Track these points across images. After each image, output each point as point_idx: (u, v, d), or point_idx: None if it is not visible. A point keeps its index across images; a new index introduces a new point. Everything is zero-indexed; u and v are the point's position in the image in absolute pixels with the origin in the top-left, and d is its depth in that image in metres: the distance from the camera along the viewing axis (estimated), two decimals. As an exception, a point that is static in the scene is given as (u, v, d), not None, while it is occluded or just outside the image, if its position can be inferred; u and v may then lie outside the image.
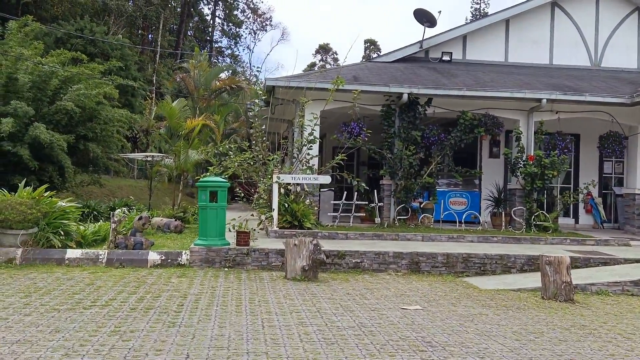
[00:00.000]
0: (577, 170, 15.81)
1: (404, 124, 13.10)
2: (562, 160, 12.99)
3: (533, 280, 9.02)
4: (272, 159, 11.45)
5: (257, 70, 64.13)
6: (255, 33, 57.86)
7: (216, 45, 55.25)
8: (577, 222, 15.87)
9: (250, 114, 12.27)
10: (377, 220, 12.82)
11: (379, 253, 9.59)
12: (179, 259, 9.29)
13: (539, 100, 12.94)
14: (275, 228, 10.88)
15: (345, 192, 13.16)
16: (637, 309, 7.62)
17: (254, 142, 11.94)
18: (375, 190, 13.16)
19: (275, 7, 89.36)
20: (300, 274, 8.43)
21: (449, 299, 7.63)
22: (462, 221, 13.03)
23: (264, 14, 56.41)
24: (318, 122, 12.23)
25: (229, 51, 57.12)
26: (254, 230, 10.82)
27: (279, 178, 10.80)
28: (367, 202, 13.69)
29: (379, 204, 13.02)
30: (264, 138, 11.94)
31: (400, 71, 14.48)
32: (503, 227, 12.99)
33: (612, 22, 16.40)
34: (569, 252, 10.45)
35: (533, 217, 13.00)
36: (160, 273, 8.67)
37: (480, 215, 14.14)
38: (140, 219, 10.34)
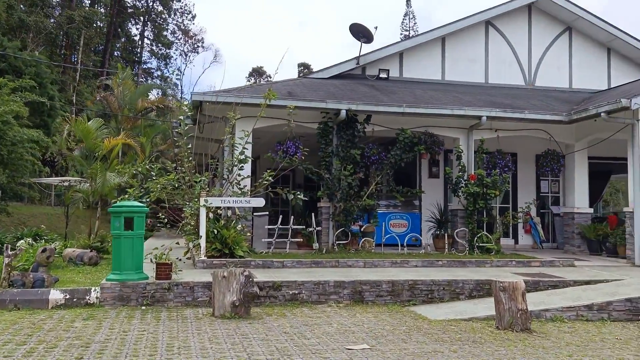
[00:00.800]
0: (515, 189, 15.63)
1: (342, 142, 12.37)
2: (504, 179, 12.65)
3: (484, 307, 8.37)
4: (200, 181, 10.35)
5: (190, 93, 62.36)
6: (186, 55, 56.39)
7: (145, 67, 53.34)
8: (516, 242, 15.61)
9: (176, 131, 11.11)
10: (315, 245, 11.91)
11: (318, 283, 8.66)
12: (87, 297, 7.97)
13: (479, 117, 12.58)
14: (202, 257, 9.74)
15: (280, 216, 12.18)
16: (596, 337, 7.06)
17: (179, 162, 10.79)
18: (312, 214, 12.29)
19: (208, 28, 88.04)
20: (230, 310, 7.34)
21: (399, 334, 6.78)
22: (404, 244, 12.35)
23: (195, 35, 55.12)
24: (250, 140, 11.27)
25: (159, 72, 55.24)
26: (179, 260, 9.63)
27: (206, 201, 9.70)
28: (304, 227, 12.78)
29: (317, 228, 12.14)
30: (191, 158, 10.82)
31: (337, 87, 13.81)
32: (446, 250, 12.42)
33: (545, 41, 16.53)
34: (517, 275, 9.94)
35: (476, 238, 12.52)
36: (62, 315, 7.33)
37: (421, 237, 13.55)
38: (44, 251, 8.96)
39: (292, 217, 12.27)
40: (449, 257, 11.55)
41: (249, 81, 61.75)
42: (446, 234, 12.78)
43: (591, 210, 13.89)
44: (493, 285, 7.46)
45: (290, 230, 11.93)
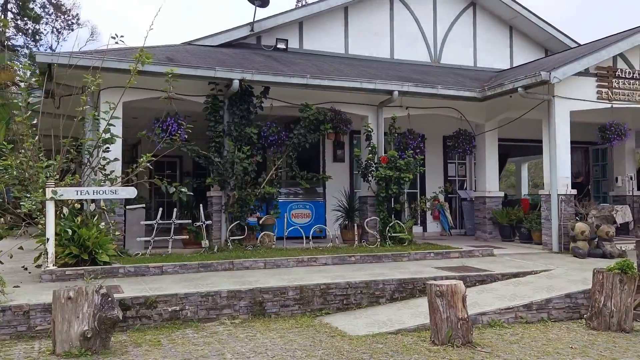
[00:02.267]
0: (423, 174, 14.56)
1: (236, 119, 10.42)
2: (418, 162, 11.41)
3: (411, 314, 6.94)
4: (47, 166, 7.93)
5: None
6: (59, 32, 50.71)
7: (9, 43, 47.15)
8: (425, 230, 14.63)
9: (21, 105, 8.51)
10: (205, 243, 9.90)
11: (207, 294, 6.74)
12: None
13: (391, 92, 11.20)
14: (51, 267, 7.41)
15: (160, 209, 10.01)
16: (548, 347, 5.84)
17: (19, 143, 8.27)
18: (201, 205, 10.26)
19: (84, 3, 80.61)
20: (80, 344, 5.23)
21: (315, 365, 5.09)
22: (310, 237, 10.73)
23: (69, 10, 49.65)
24: (118, 115, 8.99)
25: (26, 51, 49.18)
26: (25, 269, 7.28)
27: (55, 193, 7.36)
28: (191, 221, 10.71)
29: (207, 223, 10.13)
30: (37, 138, 8.35)
31: (228, 56, 11.80)
32: (356, 242, 10.97)
33: (449, 16, 15.62)
34: (441, 270, 8.67)
35: (388, 228, 11.19)
36: None
37: (327, 228, 12.03)
38: None
39: (176, 210, 10.15)
40: (361, 251, 10.09)
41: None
42: (355, 224, 11.33)
43: (502, 194, 13.15)
44: (428, 290, 5.98)
45: (173, 226, 9.83)
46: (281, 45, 13.37)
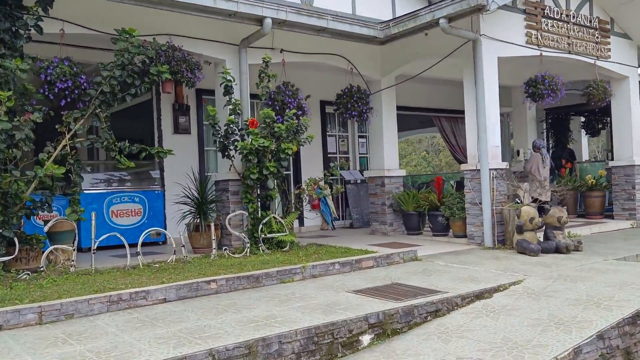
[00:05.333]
0: (298, 150, 11.01)
1: (-10, 47, 5.82)
2: (304, 126, 7.77)
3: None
4: None
5: None
6: None
7: None
8: (301, 224, 11.10)
9: None
10: None
11: None
12: None
13: (261, 20, 7.38)
14: None
15: None
16: None
17: None
18: None
19: None
20: None
21: None
22: (139, 244, 6.54)
23: None
24: None
25: None
26: None
27: None
28: None
29: None
30: None
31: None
32: (214, 251, 7.03)
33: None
34: (364, 298, 5.14)
35: (261, 226, 7.43)
36: None
37: (166, 230, 7.93)
38: None
39: None
40: (225, 267, 6.19)
41: None
42: (211, 224, 7.34)
43: (403, 173, 10.07)
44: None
45: None
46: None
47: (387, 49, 9.46)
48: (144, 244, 6.76)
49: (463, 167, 8.54)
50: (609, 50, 10.28)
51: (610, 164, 11.17)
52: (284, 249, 7.50)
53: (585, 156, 15.89)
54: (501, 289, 5.56)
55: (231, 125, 7.41)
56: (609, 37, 10.31)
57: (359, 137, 12.35)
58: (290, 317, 4.47)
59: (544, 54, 9.06)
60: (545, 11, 9.06)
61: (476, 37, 8.02)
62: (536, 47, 8.96)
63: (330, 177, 10.68)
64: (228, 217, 7.51)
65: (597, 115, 13.71)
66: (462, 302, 5.19)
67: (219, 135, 7.49)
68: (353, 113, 9.00)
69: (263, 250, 7.33)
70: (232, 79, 7.51)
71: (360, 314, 4.51)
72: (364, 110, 9.06)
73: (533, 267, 6.53)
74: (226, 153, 7.53)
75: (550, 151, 13.29)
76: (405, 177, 11.48)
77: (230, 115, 7.42)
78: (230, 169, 7.68)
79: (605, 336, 4.26)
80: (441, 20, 7.66)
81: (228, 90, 7.50)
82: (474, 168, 8.26)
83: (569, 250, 7.44)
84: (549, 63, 9.23)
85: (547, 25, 9.09)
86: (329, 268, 6.31)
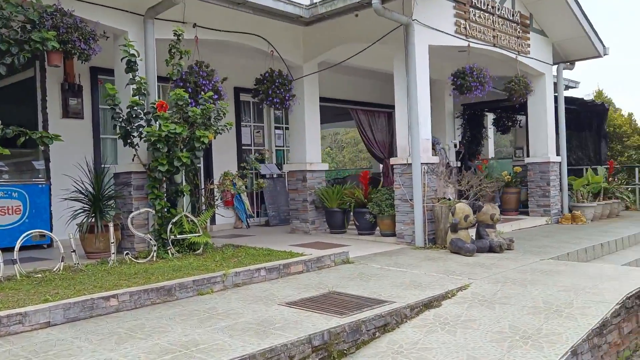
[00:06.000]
0: (210, 143, 9.96)
1: None
2: (222, 111, 6.80)
3: None
4: None
5: None
6: None
7: None
8: (213, 222, 10.08)
9: None
10: None
11: None
12: None
13: (171, -15, 6.32)
14: None
15: None
16: None
17: None
18: None
19: None
20: None
21: None
22: (17, 249, 5.27)
23: None
24: None
25: None
26: None
27: None
28: None
29: None
30: None
31: None
32: (112, 256, 5.91)
33: None
34: (303, 312, 4.34)
35: (170, 226, 6.40)
36: None
37: (53, 233, 6.66)
38: None
39: None
40: (128, 278, 5.13)
41: None
42: (110, 224, 6.18)
43: (326, 167, 9.36)
44: None
45: None
46: None
47: (312, 32, 8.71)
48: (23, 248, 5.50)
49: (393, 161, 7.99)
50: (529, 45, 10.24)
51: (526, 160, 11.20)
52: (197, 252, 6.52)
53: (491, 153, 16.17)
54: (449, 295, 5.00)
55: (135, 108, 6.28)
56: (529, 33, 10.28)
57: (276, 128, 11.51)
58: (216, 342, 3.58)
59: (471, 45, 8.75)
60: (474, 1, 8.74)
61: (409, 21, 7.48)
62: (464, 37, 8.62)
63: (242, 172, 9.72)
64: (131, 215, 6.39)
65: (508, 112, 13.88)
66: (411, 313, 4.55)
67: (120, 120, 6.33)
68: (275, 100, 8.14)
69: (173, 254, 6.31)
70: (136, 53, 6.37)
71: (301, 336, 3.71)
72: (286, 98, 8.23)
73: (473, 268, 6.07)
74: (129, 140, 6.39)
75: (459, 147, 13.23)
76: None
77: (134, 95, 6.29)
78: (133, 160, 6.54)
79: (578, 351, 3.79)
80: (374, 0, 7.01)
81: (131, 67, 6.36)
82: (404, 162, 7.74)
83: (502, 249, 7.12)
84: (472, 56, 8.92)
85: (474, 15, 8.79)
86: (253, 275, 5.43)
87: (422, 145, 7.62)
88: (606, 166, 12.47)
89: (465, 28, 8.57)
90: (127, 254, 6.13)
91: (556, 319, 4.26)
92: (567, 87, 14.20)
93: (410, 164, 7.61)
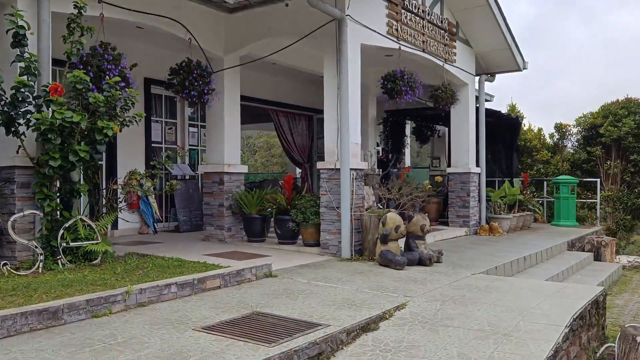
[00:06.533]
0: (114, 138, 8.90)
1: None
2: (130, 100, 5.90)
3: None
4: None
5: None
6: None
7: None
8: (114, 226, 9.03)
9: None
10: None
11: None
12: None
13: (74, -51, 5.37)
14: None
15: None
16: None
17: None
18: None
19: None
20: None
21: None
22: None
23: None
24: None
25: None
26: None
27: None
28: None
29: None
30: None
31: None
32: (-13, 268, 4.85)
33: None
34: (211, 334, 3.64)
35: (62, 231, 5.43)
36: None
37: None
38: None
39: None
40: (3, 291, 4.15)
41: None
42: (-15, 228, 5.12)
43: (246, 169, 8.63)
44: None
45: None
46: None
47: (236, 21, 7.99)
48: None
49: (320, 165, 7.42)
50: (455, 54, 10.13)
51: (448, 170, 11.10)
52: (95, 263, 5.60)
53: (408, 162, 16.16)
54: (387, 316, 4.48)
55: (22, 90, 5.24)
56: (456, 42, 10.17)
57: (190, 125, 10.61)
58: (114, 386, 2.79)
59: (402, 48, 8.42)
60: (405, 2, 8.43)
61: (342, 16, 6.98)
62: (396, 39, 8.28)
63: (152, 171, 8.74)
64: (12, 218, 5.34)
65: (428, 122, 13.85)
66: (348, 338, 3.98)
67: (3, 103, 5.27)
68: (192, 93, 7.30)
69: (64, 265, 5.35)
70: (25, 25, 5.35)
71: (223, 374, 3.01)
72: (205, 91, 7.42)
73: (406, 284, 5.63)
74: (13, 129, 5.34)
75: (381, 154, 13.01)
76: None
77: (21, 75, 5.26)
78: (18, 152, 5.48)
79: (538, 382, 3.38)
80: (309, -11, 6.44)
81: (19, 41, 5.32)
82: (332, 167, 7.20)
83: (432, 262, 6.77)
84: (400, 61, 8.58)
85: (406, 17, 8.48)
86: (162, 292, 4.62)
87: (352, 149, 7.13)
88: (521, 179, 12.70)
89: (397, 30, 8.23)
90: (4, 264, 5.09)
91: (507, 345, 3.86)
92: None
93: (339, 169, 7.09)
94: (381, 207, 7.37)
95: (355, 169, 7.16)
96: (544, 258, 8.79)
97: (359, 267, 6.46)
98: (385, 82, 8.19)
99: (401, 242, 6.95)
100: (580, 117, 15.23)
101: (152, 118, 9.78)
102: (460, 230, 10.47)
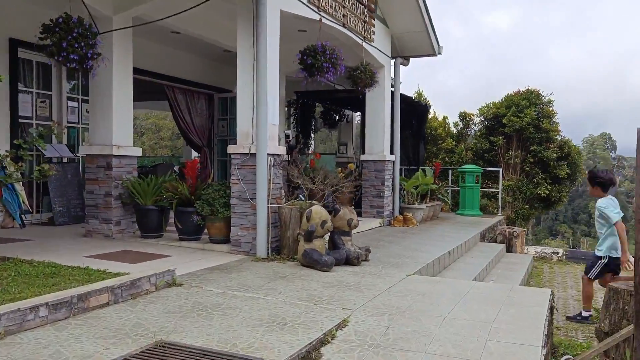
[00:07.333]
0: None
1: None
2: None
3: None
4: None
5: None
6: None
7: None
8: (-31, 219, 7.31)
9: None
10: None
11: None
12: None
13: None
14: None
15: None
16: None
17: None
18: None
19: None
20: None
21: None
22: None
23: None
24: None
25: None
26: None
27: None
28: None
29: None
30: None
31: None
32: None
33: None
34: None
35: None
36: None
37: None
38: None
39: None
40: None
41: None
42: None
43: (139, 152, 7.27)
44: None
45: None
46: None
47: (127, -27, 6.61)
48: None
49: (231, 149, 6.33)
50: (374, 33, 9.43)
51: (362, 157, 10.45)
52: None
53: (313, 148, 15.41)
54: (329, 338, 3.59)
55: None
56: (374, 20, 9.47)
57: (69, 99, 8.97)
58: None
59: (323, 20, 7.51)
60: (328, -32, 7.53)
61: (261, -23, 5.92)
62: (317, 9, 7.36)
63: (18, 152, 7.12)
64: None
65: (337, 106, 13.16)
66: (286, 373, 3.04)
67: None
68: (72, 57, 5.83)
69: None
70: None
71: None
72: (88, 56, 5.98)
73: (340, 291, 4.77)
74: None
75: (292, 139, 12.15)
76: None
77: None
78: None
79: None
80: None
81: None
82: (246, 152, 6.16)
83: (359, 261, 5.98)
84: (318, 36, 7.68)
85: (328, -14, 7.58)
86: (27, 317, 3.37)
87: (269, 131, 6.13)
88: (432, 167, 12.40)
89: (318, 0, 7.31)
90: None
91: (484, 375, 3.13)
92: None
93: (254, 154, 6.07)
94: (302, 198, 6.46)
95: (273, 154, 6.18)
96: (463, 251, 8.40)
97: (280, 270, 5.51)
98: (305, 57, 7.21)
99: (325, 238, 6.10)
100: (483, 107, 15.33)
101: (19, 88, 8.06)
102: (375, 221, 9.87)
